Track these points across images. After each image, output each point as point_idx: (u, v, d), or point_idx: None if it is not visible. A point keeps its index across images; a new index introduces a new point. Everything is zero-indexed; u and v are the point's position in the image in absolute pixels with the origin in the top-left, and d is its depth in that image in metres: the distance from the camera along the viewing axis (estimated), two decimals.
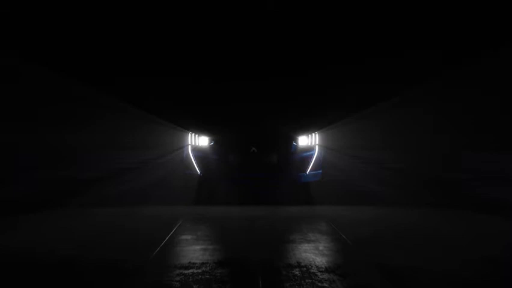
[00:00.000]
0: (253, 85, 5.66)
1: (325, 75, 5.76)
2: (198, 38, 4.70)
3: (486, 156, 10.81)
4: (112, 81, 7.08)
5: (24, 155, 10.14)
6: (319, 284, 2.23)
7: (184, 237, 3.25)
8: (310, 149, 5.57)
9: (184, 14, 4.18)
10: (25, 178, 7.67)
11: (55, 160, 10.83)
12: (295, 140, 5.49)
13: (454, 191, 6.48)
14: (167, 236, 3.23)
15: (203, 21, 4.35)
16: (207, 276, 2.33)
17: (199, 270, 2.42)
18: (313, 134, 5.74)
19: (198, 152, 5.61)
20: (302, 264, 2.54)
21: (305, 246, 2.96)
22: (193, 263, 2.56)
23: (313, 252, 2.81)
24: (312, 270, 2.43)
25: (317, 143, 5.78)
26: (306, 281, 2.26)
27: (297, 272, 2.39)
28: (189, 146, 5.80)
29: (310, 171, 5.40)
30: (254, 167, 5.23)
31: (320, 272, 2.41)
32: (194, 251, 2.85)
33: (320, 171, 5.63)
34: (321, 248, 2.93)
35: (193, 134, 5.82)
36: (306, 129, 5.68)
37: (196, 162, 5.52)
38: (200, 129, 5.76)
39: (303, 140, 5.60)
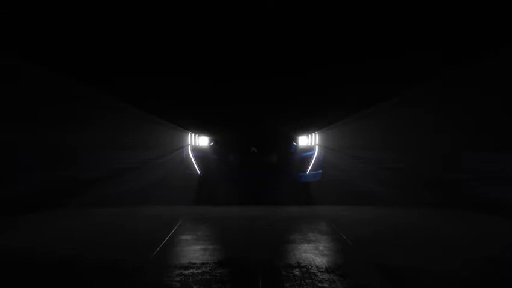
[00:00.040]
0: (253, 85, 5.66)
1: (325, 75, 5.76)
2: (198, 38, 4.70)
3: (486, 156, 10.81)
4: (112, 81, 7.08)
5: (24, 155, 10.14)
6: (319, 284, 2.23)
7: (184, 237, 3.25)
8: (310, 149, 5.57)
9: (184, 14, 4.18)
10: (25, 178, 7.67)
11: (55, 160, 10.83)
12: (295, 140, 5.49)
13: (453, 191, 6.48)
14: (167, 236, 3.23)
15: (203, 21, 4.35)
16: (207, 277, 2.33)
17: (199, 271, 2.42)
18: (313, 134, 5.74)
19: (198, 152, 5.61)
20: (302, 264, 2.54)
21: (305, 246, 2.96)
22: (193, 263, 2.56)
23: (313, 252, 2.81)
24: (312, 271, 2.43)
25: (317, 143, 5.77)
26: (306, 281, 2.26)
27: (297, 272, 2.39)
28: (189, 146, 5.80)
29: (310, 171, 5.40)
30: (254, 167, 5.23)
31: (320, 272, 2.41)
32: (194, 251, 2.85)
33: (320, 171, 5.63)
34: (321, 248, 2.93)
35: (193, 134, 5.82)
36: (306, 129, 5.67)
37: (196, 162, 5.51)
38: (200, 129, 5.76)
39: (303, 140, 5.60)
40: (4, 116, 9.35)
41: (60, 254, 2.76)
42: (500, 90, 10.69)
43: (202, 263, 2.56)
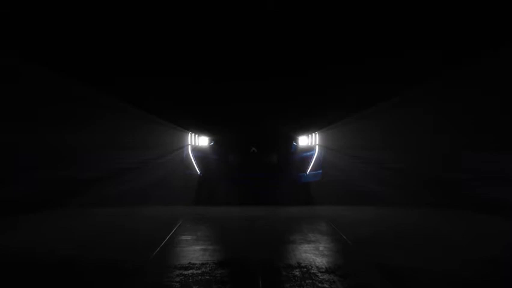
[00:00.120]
0: (253, 85, 5.66)
1: (325, 75, 5.76)
2: (198, 38, 4.69)
3: (486, 156, 10.81)
4: (112, 81, 7.07)
5: (24, 155, 10.14)
6: (319, 284, 2.23)
7: (184, 237, 3.25)
8: (310, 149, 5.57)
9: (184, 14, 4.18)
10: (25, 178, 7.67)
11: (55, 160, 10.83)
12: (296, 140, 5.49)
13: (453, 191, 6.48)
14: (167, 236, 3.23)
15: (203, 21, 4.35)
16: (207, 277, 2.33)
17: (199, 271, 2.42)
18: (313, 134, 5.73)
19: (198, 152, 5.61)
20: (302, 264, 2.54)
21: (305, 246, 2.96)
22: (193, 264, 2.56)
23: (313, 252, 2.81)
24: (312, 271, 2.43)
25: (317, 143, 5.77)
26: (307, 281, 2.26)
27: (297, 273, 2.39)
28: (189, 146, 5.80)
29: (310, 171, 5.40)
30: (254, 167, 5.23)
31: (321, 272, 2.41)
32: (194, 251, 2.85)
33: (320, 171, 5.63)
34: (321, 248, 2.93)
35: (193, 134, 5.82)
36: (306, 129, 5.67)
37: (196, 162, 5.51)
38: (200, 129, 5.76)
39: (303, 140, 5.60)
40: (4, 116, 9.35)
41: (60, 254, 2.76)
42: (500, 90, 10.69)
43: (202, 264, 2.56)
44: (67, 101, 12.17)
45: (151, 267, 2.53)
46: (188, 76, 5.68)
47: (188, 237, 3.24)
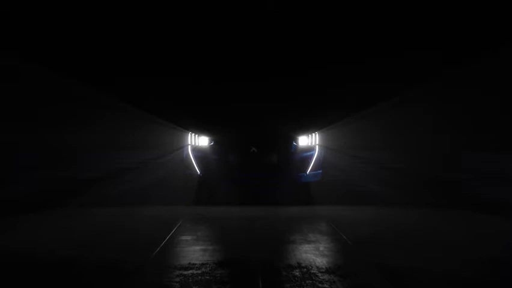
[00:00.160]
0: (253, 85, 5.65)
1: (325, 75, 5.76)
2: (197, 38, 4.69)
3: (486, 156, 10.80)
4: (112, 81, 7.07)
5: (24, 155, 10.13)
6: (319, 285, 2.22)
7: (184, 237, 3.25)
8: (310, 149, 5.57)
9: (184, 14, 4.18)
10: (25, 178, 7.67)
11: (55, 160, 10.83)
12: (296, 140, 5.49)
13: (453, 191, 6.48)
14: (167, 237, 3.22)
15: (203, 21, 4.35)
16: (207, 277, 2.33)
17: (199, 271, 2.42)
18: (313, 134, 5.73)
19: (198, 152, 5.61)
20: (302, 264, 2.54)
21: (305, 246, 2.96)
22: (193, 264, 2.55)
23: (313, 252, 2.81)
24: (312, 271, 2.43)
25: (317, 143, 5.77)
26: (307, 281, 2.26)
27: (297, 273, 2.39)
28: (189, 146, 5.80)
29: (310, 171, 5.40)
30: (254, 167, 5.23)
31: (321, 272, 2.41)
32: (194, 251, 2.85)
33: (320, 171, 5.63)
34: (321, 248, 2.93)
35: (193, 134, 5.82)
36: (306, 129, 5.67)
37: (196, 162, 5.51)
38: (200, 129, 5.76)
39: (303, 140, 5.60)
40: (4, 116, 9.35)
41: (60, 254, 2.76)
42: (500, 90, 10.68)
43: (202, 264, 2.56)
44: (67, 101, 12.17)
45: (151, 267, 2.53)
46: (188, 76, 5.68)
47: (188, 237, 3.24)
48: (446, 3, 4.01)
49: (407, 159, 12.58)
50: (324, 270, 2.44)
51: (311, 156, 5.47)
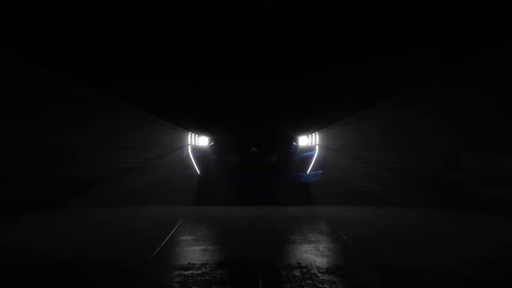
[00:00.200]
0: (253, 85, 5.66)
1: (325, 75, 5.76)
2: (197, 38, 4.69)
3: (486, 156, 10.80)
4: (112, 81, 7.07)
5: (24, 155, 10.13)
6: (320, 285, 2.22)
7: (184, 237, 3.25)
8: (310, 149, 5.57)
9: (184, 14, 4.18)
10: (25, 178, 7.67)
11: (55, 160, 10.83)
12: (296, 140, 5.49)
13: (454, 191, 6.48)
14: (167, 237, 3.22)
15: (203, 21, 4.35)
16: (207, 277, 2.33)
17: (199, 271, 2.42)
18: (313, 134, 5.73)
19: (198, 152, 5.61)
20: (303, 265, 2.54)
21: (305, 246, 2.96)
22: (193, 264, 2.55)
23: (313, 252, 2.81)
24: (312, 271, 2.43)
25: (317, 143, 5.77)
26: (307, 282, 2.26)
27: (297, 273, 2.39)
28: (189, 146, 5.80)
29: (310, 171, 5.39)
30: (254, 167, 5.23)
31: (321, 272, 2.41)
32: (194, 251, 2.85)
33: (320, 171, 5.63)
34: (321, 248, 2.93)
35: (193, 134, 5.82)
36: (306, 129, 5.67)
37: (196, 162, 5.51)
38: (200, 129, 5.76)
39: (303, 140, 5.60)
40: (4, 116, 9.35)
41: (60, 254, 2.76)
42: (500, 90, 10.68)
43: (202, 264, 2.56)
44: (67, 101, 12.17)
45: (151, 268, 2.53)
46: (188, 76, 5.68)
47: (188, 238, 3.24)
48: (446, 3, 4.01)
49: (407, 159, 12.58)
50: (324, 271, 2.44)
51: (311, 156, 5.47)
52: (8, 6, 4.04)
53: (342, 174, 9.25)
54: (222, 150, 5.39)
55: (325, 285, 2.21)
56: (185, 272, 2.40)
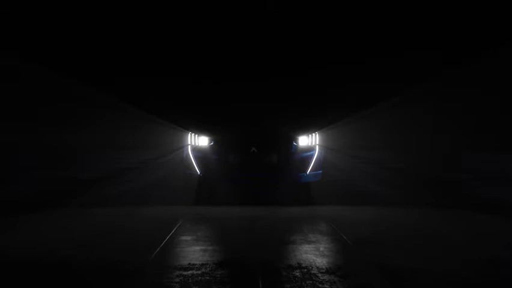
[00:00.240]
0: (253, 85, 5.66)
1: (325, 75, 5.76)
2: (197, 38, 4.69)
3: (486, 156, 10.80)
4: (112, 81, 7.07)
5: (24, 155, 10.13)
6: (320, 285, 2.22)
7: (184, 237, 3.25)
8: (310, 149, 5.56)
9: (184, 14, 4.18)
10: (25, 178, 7.67)
11: (55, 160, 10.83)
12: (296, 140, 5.49)
13: (454, 191, 6.48)
14: (167, 237, 3.22)
15: (203, 21, 4.35)
16: (207, 278, 2.33)
17: (199, 272, 2.42)
18: (313, 134, 5.73)
19: (198, 152, 5.60)
20: (303, 265, 2.54)
21: (306, 247, 2.96)
22: (193, 264, 2.55)
23: (313, 253, 2.81)
24: (312, 271, 2.43)
25: (317, 143, 5.77)
26: (307, 282, 2.26)
27: (297, 273, 2.39)
28: (189, 146, 5.80)
29: (310, 171, 5.39)
30: (254, 167, 5.23)
31: (321, 273, 2.41)
32: (194, 251, 2.85)
33: (320, 171, 5.63)
34: (321, 248, 2.93)
35: (193, 134, 5.82)
36: (306, 129, 5.67)
37: (196, 162, 5.51)
38: (200, 129, 5.75)
39: (303, 140, 5.59)
40: (4, 116, 9.34)
41: (60, 254, 2.76)
42: (500, 90, 10.68)
43: (202, 264, 2.56)
44: (67, 101, 12.16)
45: (151, 268, 2.53)
46: (188, 76, 5.68)
47: (188, 238, 3.24)
48: (446, 3, 4.01)
49: (407, 159, 12.58)
50: (324, 271, 2.44)
51: (311, 156, 5.46)
52: (8, 6, 4.04)
53: (342, 174, 9.25)
54: (222, 150, 5.39)
55: (325, 286, 2.21)
56: (185, 272, 2.40)
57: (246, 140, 5.34)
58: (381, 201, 5.50)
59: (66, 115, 12.85)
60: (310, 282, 2.26)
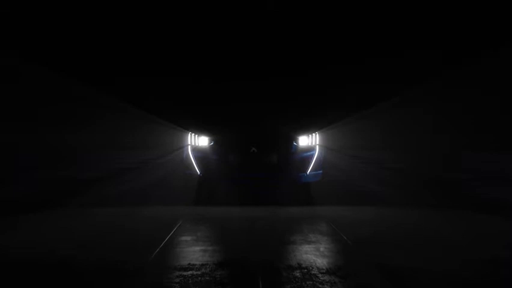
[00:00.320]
0: (253, 85, 5.65)
1: (325, 75, 5.75)
2: (197, 38, 4.69)
3: (486, 156, 10.80)
4: (112, 81, 7.07)
5: (24, 155, 10.13)
6: (320, 285, 2.22)
7: (183, 238, 3.25)
8: (310, 149, 5.56)
9: (184, 14, 4.18)
10: (25, 178, 7.67)
11: (55, 160, 10.83)
12: (296, 140, 5.49)
13: (454, 191, 6.48)
14: (167, 237, 3.22)
15: (203, 21, 4.35)
16: (207, 278, 2.33)
17: (199, 272, 2.42)
18: (313, 134, 5.73)
19: (198, 152, 5.60)
20: (303, 265, 2.54)
21: (306, 247, 2.96)
22: (193, 265, 2.55)
23: (314, 253, 2.81)
24: (313, 272, 2.43)
25: (317, 143, 5.77)
26: (307, 282, 2.26)
27: (297, 274, 2.39)
28: (189, 146, 5.80)
29: (310, 171, 5.39)
30: (254, 167, 5.23)
31: (321, 273, 2.41)
32: (194, 252, 2.85)
33: (320, 171, 5.63)
34: (321, 249, 2.92)
35: (193, 134, 5.82)
36: (306, 129, 5.67)
37: (196, 162, 5.51)
38: (200, 129, 5.75)
39: (304, 140, 5.59)
40: (4, 116, 9.34)
41: (60, 254, 2.76)
42: (500, 90, 10.68)
43: (202, 264, 2.56)
44: (67, 101, 12.16)
45: (150, 268, 2.53)
46: (188, 76, 5.68)
47: (188, 238, 3.24)
48: (446, 3, 4.01)
49: (407, 159, 12.58)
50: (324, 271, 2.44)
51: (311, 156, 5.46)
52: (8, 6, 4.03)
53: (342, 174, 9.25)
54: (222, 150, 5.39)
55: (325, 286, 2.21)
56: (185, 273, 2.40)
57: (246, 140, 5.34)
58: (381, 202, 5.50)
59: (66, 115, 12.84)
60: (311, 282, 2.25)
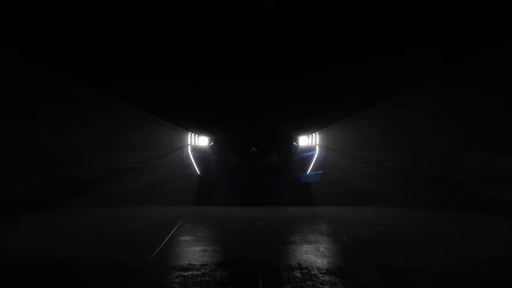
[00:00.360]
0: (253, 85, 5.66)
1: (325, 75, 5.76)
2: (198, 38, 4.69)
3: (486, 156, 10.80)
4: (112, 81, 7.07)
5: (24, 155, 10.13)
6: (320, 285, 2.22)
7: (183, 238, 3.25)
8: (310, 149, 5.56)
9: (184, 14, 4.18)
10: (25, 178, 7.67)
11: (55, 160, 10.83)
12: (296, 140, 5.49)
13: (454, 191, 6.47)
14: (167, 237, 3.22)
15: (203, 21, 4.35)
16: (207, 278, 2.33)
17: (199, 272, 2.42)
18: (313, 134, 5.73)
19: (198, 152, 5.60)
20: (303, 265, 2.54)
21: (306, 247, 2.96)
22: (193, 265, 2.55)
23: (314, 253, 2.81)
24: (313, 272, 2.43)
25: (317, 143, 5.77)
26: (307, 282, 2.26)
27: (297, 274, 2.39)
28: (189, 146, 5.80)
29: (310, 171, 5.39)
30: (254, 167, 5.22)
31: (321, 273, 2.41)
32: (194, 252, 2.85)
33: (320, 171, 5.62)
34: (321, 249, 2.93)
35: (193, 134, 5.82)
36: (306, 129, 5.67)
37: (196, 162, 5.51)
38: (200, 129, 5.75)
39: (304, 140, 5.59)
40: (4, 116, 9.35)
41: (60, 254, 2.76)
42: (500, 90, 10.68)
43: (202, 265, 2.56)
44: (67, 101, 12.16)
45: (150, 268, 2.53)
46: (188, 76, 5.68)
47: (188, 238, 3.24)
48: (446, 3, 4.01)
49: (407, 159, 12.58)
50: (324, 271, 2.44)
51: (311, 156, 5.46)
52: (8, 6, 4.04)
53: (342, 174, 9.25)
54: (222, 150, 5.39)
55: (325, 286, 2.21)
56: (185, 273, 2.40)
57: (246, 140, 5.33)
58: (381, 202, 5.50)
59: (66, 115, 12.85)
60: (311, 282, 2.26)
